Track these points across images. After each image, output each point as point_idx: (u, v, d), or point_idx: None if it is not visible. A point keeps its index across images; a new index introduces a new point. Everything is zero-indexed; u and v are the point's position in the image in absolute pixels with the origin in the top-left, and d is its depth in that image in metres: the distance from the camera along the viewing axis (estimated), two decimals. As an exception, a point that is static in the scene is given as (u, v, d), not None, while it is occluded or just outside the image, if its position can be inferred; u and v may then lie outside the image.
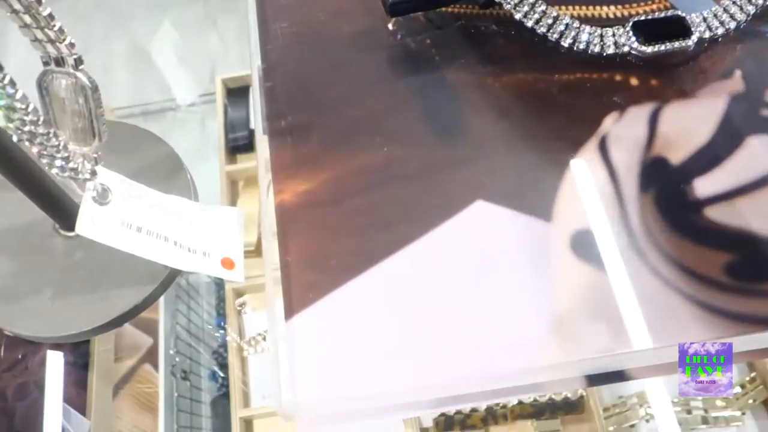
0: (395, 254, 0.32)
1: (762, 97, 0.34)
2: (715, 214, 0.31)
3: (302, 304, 0.30)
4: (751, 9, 0.34)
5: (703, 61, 0.35)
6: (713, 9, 0.35)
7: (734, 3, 0.35)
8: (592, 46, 0.34)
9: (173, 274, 0.38)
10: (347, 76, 0.36)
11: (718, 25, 0.34)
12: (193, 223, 0.38)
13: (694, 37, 0.34)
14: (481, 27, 0.37)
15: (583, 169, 0.33)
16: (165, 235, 0.36)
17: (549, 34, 0.35)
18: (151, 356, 0.73)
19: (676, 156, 0.33)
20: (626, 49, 0.34)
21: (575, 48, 0.34)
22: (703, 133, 0.33)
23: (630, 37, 0.34)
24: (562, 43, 0.35)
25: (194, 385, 0.84)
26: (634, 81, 0.35)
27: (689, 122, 0.33)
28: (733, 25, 0.34)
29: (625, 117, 0.34)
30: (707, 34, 0.34)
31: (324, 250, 0.32)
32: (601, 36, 0.34)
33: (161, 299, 0.51)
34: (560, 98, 0.35)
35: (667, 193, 0.32)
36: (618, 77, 0.35)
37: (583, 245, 0.31)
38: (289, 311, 0.30)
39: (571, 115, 0.34)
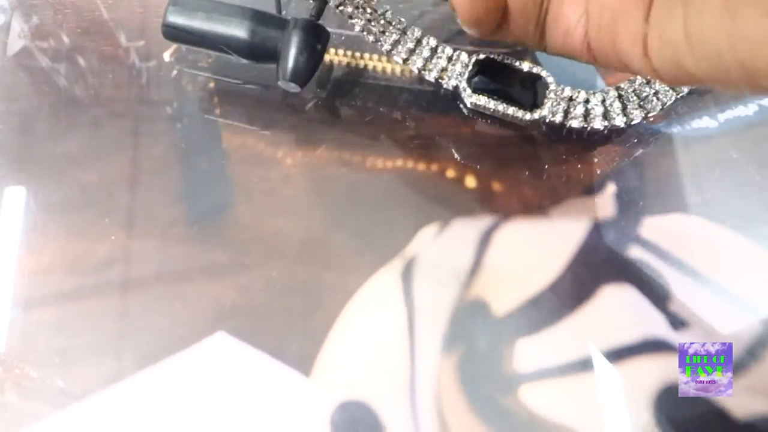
0: (101, 391, 0.23)
1: (635, 229, 0.24)
2: (532, 398, 0.22)
3: None
4: (638, 113, 0.25)
5: (567, 168, 0.25)
6: (595, 93, 0.25)
7: (627, 93, 0.25)
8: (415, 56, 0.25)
9: None
10: (89, 130, 0.26)
11: (592, 115, 0.25)
12: None
13: (538, 114, 0.24)
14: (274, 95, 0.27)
15: (370, 307, 0.23)
16: None
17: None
18: None
19: (502, 302, 0.23)
20: (453, 83, 0.24)
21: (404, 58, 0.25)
22: (547, 272, 0.24)
23: (464, 72, 0.24)
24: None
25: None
26: (470, 182, 0.25)
27: (531, 252, 0.24)
28: (621, 121, 0.24)
29: (446, 233, 0.24)
30: (575, 123, 0.24)
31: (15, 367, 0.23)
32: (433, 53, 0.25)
33: None
34: (366, 193, 0.25)
35: (476, 356, 0.23)
36: (450, 173, 0.25)
37: (347, 426, 0.22)
38: None
39: (377, 220, 0.25)
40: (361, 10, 0.25)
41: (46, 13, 0.28)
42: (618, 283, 0.24)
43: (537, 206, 0.25)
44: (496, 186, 0.25)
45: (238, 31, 0.23)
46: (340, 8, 0.25)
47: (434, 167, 0.25)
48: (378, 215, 0.25)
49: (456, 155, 0.25)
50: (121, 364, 0.23)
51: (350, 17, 0.25)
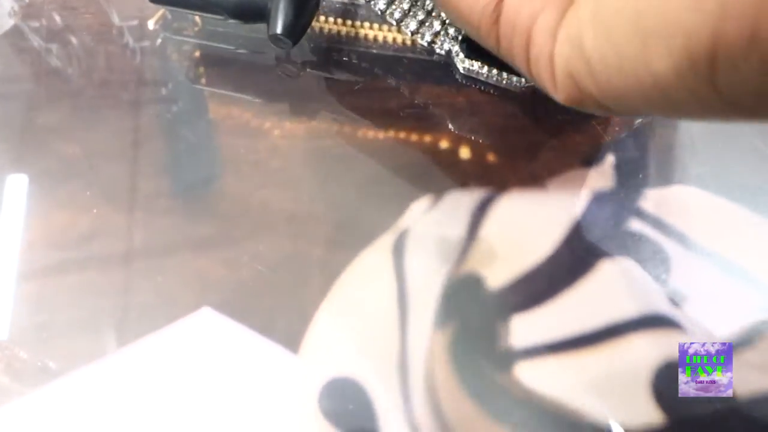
0: (82, 368, 0.22)
1: (635, 201, 0.24)
2: (527, 375, 0.21)
3: None
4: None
5: (565, 138, 0.24)
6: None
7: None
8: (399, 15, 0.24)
9: None
10: (71, 98, 0.25)
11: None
12: None
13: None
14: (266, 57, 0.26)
15: (360, 282, 0.23)
16: None
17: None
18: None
19: (497, 277, 0.23)
20: (446, 47, 0.24)
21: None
22: (544, 246, 0.23)
23: (458, 36, 0.23)
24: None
25: None
26: (465, 153, 0.24)
27: (527, 225, 0.23)
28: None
29: (440, 205, 0.24)
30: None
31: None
32: (426, 19, 0.24)
33: None
34: (356, 164, 0.24)
35: (470, 332, 0.22)
36: (444, 144, 0.25)
37: (336, 403, 0.21)
38: None
39: (368, 192, 0.24)
40: None
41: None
42: (617, 257, 0.23)
43: (533, 178, 0.24)
44: (491, 157, 0.24)
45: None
46: None
47: (427, 138, 0.25)
48: (369, 187, 0.24)
49: (450, 125, 0.25)
50: (104, 340, 0.22)
51: None
